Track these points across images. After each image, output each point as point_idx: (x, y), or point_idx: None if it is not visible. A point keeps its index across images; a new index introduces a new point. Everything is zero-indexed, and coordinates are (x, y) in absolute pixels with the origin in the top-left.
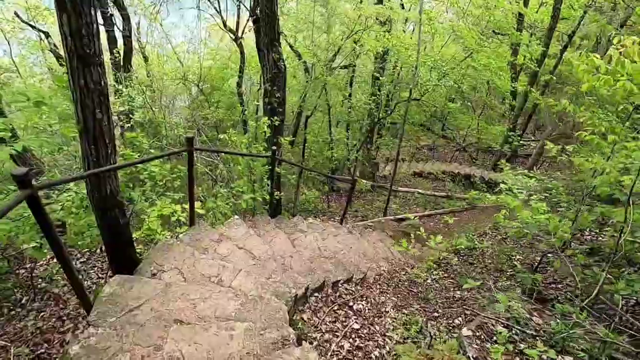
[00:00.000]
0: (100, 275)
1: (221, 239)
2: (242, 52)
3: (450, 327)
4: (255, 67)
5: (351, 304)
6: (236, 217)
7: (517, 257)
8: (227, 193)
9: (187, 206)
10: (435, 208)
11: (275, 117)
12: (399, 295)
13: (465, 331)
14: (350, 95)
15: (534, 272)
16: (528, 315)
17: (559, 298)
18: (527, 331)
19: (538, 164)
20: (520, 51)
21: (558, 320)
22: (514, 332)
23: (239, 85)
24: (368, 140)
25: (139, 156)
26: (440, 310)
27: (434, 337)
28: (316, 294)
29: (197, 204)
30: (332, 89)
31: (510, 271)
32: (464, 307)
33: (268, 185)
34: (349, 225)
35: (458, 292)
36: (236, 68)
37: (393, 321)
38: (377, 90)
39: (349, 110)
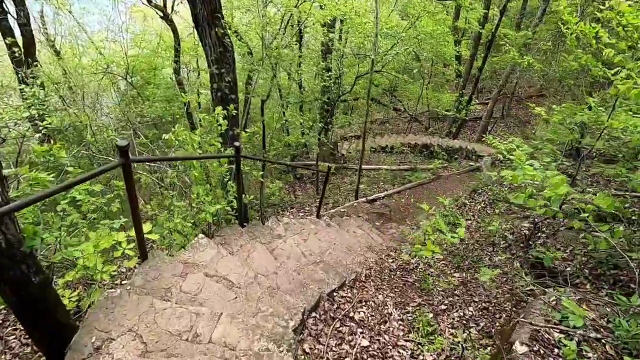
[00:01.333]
0: (24, 341)
1: (186, 270)
2: (174, 31)
3: (464, 321)
4: (189, 51)
5: (352, 314)
6: (201, 235)
7: (504, 226)
8: (183, 207)
9: (134, 233)
10: (402, 183)
11: (232, 105)
12: (396, 290)
13: (519, 347)
14: (301, 73)
15: (528, 242)
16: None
17: (567, 270)
18: (590, 335)
19: (489, 126)
20: (462, 13)
21: (621, 316)
22: (572, 337)
23: (176, 72)
24: (327, 120)
25: (55, 178)
26: (445, 301)
27: (466, 350)
28: (313, 314)
29: (147, 227)
30: (285, 68)
31: (504, 243)
32: (471, 293)
33: (233, 188)
34: (325, 217)
35: (457, 274)
36: (168, 56)
37: (400, 325)
38: (331, 64)
39: (301, 90)
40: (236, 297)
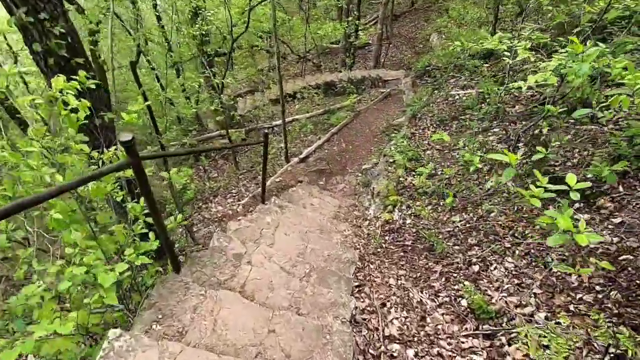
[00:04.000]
0: None
1: None
2: None
3: (516, 280)
4: None
5: (387, 330)
6: (114, 331)
7: (471, 146)
8: (49, 290)
9: None
10: (325, 129)
11: (82, 74)
12: (401, 264)
13: None
14: (159, 18)
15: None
16: None
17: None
18: None
19: (382, 47)
20: None
21: None
22: None
23: None
24: (223, 76)
25: None
26: (472, 259)
27: None
28: None
29: None
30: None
31: (487, 169)
32: (493, 236)
33: (135, 210)
34: (273, 199)
35: (457, 218)
36: None
37: (444, 315)
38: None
39: (169, 46)
40: None
